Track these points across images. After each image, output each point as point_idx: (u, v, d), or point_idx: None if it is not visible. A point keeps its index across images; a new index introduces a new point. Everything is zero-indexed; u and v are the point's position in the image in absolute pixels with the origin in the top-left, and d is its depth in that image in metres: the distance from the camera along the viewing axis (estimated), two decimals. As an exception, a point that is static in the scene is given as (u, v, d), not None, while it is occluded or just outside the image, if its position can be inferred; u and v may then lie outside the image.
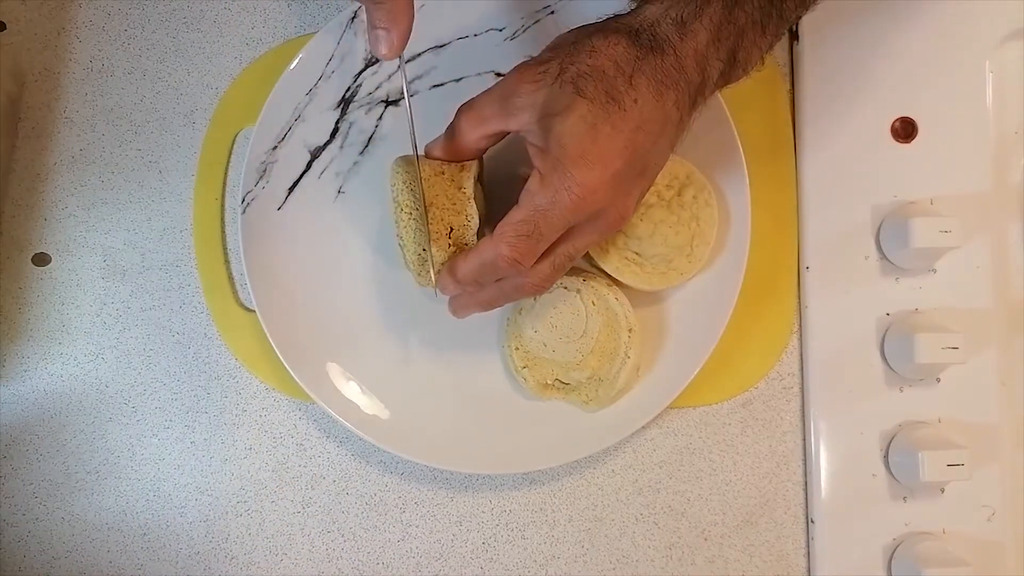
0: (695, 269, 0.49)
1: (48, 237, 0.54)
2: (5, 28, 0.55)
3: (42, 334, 0.53)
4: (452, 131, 0.44)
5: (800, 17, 0.42)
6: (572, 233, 0.41)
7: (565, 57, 0.39)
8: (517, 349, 0.50)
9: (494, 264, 0.41)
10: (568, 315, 0.49)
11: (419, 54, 0.52)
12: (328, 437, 0.53)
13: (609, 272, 0.49)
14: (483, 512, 0.53)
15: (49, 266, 0.54)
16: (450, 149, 0.45)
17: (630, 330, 0.49)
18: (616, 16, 0.40)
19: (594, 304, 0.49)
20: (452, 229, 0.44)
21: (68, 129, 0.54)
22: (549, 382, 0.50)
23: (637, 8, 0.40)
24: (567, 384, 0.50)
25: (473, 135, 0.43)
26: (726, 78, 0.41)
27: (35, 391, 0.53)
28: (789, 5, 0.40)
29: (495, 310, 0.50)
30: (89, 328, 0.53)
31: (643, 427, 0.50)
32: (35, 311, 0.53)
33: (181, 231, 0.54)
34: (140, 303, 0.54)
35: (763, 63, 0.41)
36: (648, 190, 0.42)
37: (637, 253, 0.49)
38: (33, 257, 0.54)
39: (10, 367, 0.53)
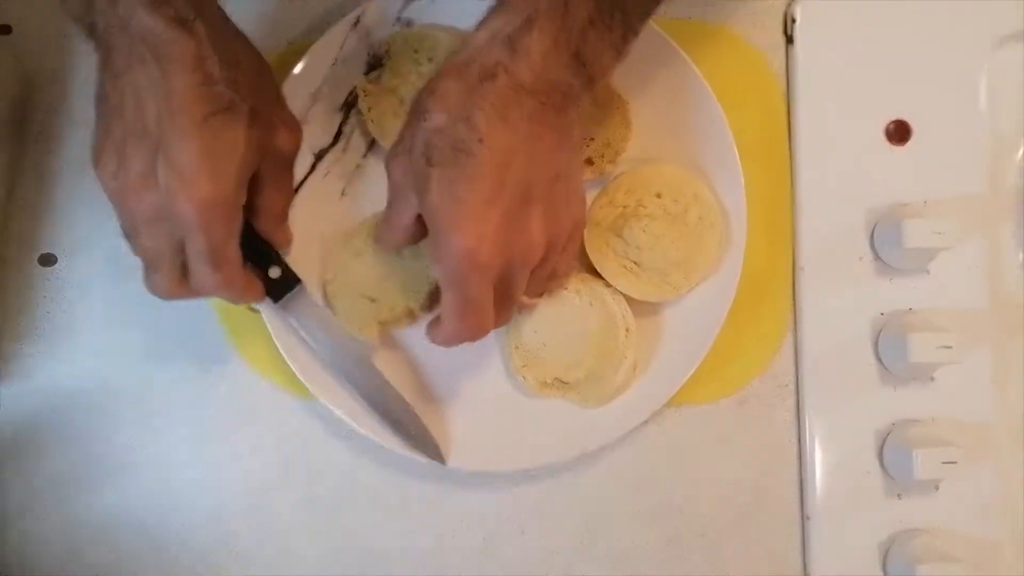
0: (690, 286, 0.50)
1: (54, 238, 0.54)
2: (11, 31, 0.55)
3: (48, 334, 0.53)
4: (386, 227, 0.45)
5: (649, 11, 0.41)
6: (504, 282, 0.41)
7: (412, 129, 0.39)
8: (517, 348, 0.51)
9: (460, 337, 0.42)
10: (567, 315, 0.50)
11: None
12: (331, 435, 0.53)
13: (605, 276, 0.50)
14: (483, 509, 0.53)
15: (55, 266, 0.54)
16: (391, 243, 0.46)
17: (627, 330, 0.49)
18: (451, 54, 0.40)
19: (592, 304, 0.50)
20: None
21: (75, 131, 0.54)
22: (548, 380, 0.51)
23: (469, 36, 0.39)
24: (566, 383, 0.51)
25: (398, 233, 0.44)
26: (586, 76, 0.39)
27: (40, 390, 0.53)
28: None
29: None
30: (95, 328, 0.54)
31: (640, 424, 0.50)
32: (41, 311, 0.54)
33: (185, 232, 0.54)
34: (145, 303, 0.54)
35: (622, 56, 0.41)
36: (557, 199, 0.41)
37: (635, 262, 0.50)
38: (39, 257, 0.54)
39: (16, 366, 0.53)
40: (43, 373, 0.53)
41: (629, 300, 0.50)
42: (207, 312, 0.54)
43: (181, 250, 0.42)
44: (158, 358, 0.53)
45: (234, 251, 0.43)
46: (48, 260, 0.54)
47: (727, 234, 0.51)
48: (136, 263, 0.54)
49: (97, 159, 0.40)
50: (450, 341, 0.43)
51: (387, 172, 0.42)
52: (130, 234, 0.42)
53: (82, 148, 0.54)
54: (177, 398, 0.53)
